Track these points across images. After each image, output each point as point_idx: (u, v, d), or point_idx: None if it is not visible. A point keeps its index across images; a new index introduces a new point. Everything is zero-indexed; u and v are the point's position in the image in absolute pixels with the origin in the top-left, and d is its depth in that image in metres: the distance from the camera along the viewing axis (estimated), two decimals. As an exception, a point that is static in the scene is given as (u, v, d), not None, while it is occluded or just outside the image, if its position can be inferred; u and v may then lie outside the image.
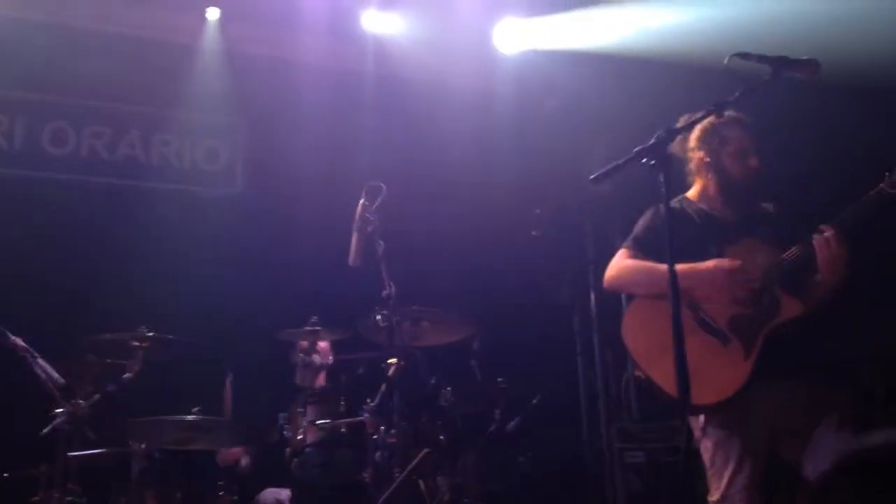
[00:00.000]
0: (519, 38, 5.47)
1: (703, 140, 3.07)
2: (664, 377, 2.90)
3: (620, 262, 3.13)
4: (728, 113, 2.84)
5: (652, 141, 2.44)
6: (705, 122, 2.81)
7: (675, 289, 2.27)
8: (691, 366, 2.27)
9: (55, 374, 3.68)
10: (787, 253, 2.87)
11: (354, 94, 5.47)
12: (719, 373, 2.76)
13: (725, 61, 2.53)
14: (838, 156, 4.14)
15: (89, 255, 4.97)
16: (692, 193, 3.15)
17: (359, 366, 4.31)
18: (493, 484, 4.54)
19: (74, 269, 4.89)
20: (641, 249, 3.08)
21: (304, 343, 4.29)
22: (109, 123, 5.47)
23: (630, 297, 3.20)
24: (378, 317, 3.61)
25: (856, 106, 4.07)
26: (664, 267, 2.63)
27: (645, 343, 3.00)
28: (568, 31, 5.24)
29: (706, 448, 2.90)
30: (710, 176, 3.08)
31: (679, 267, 2.41)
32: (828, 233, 2.79)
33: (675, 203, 3.06)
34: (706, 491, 2.91)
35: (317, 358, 4.50)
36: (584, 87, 5.46)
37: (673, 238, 2.36)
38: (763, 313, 2.86)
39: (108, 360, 3.82)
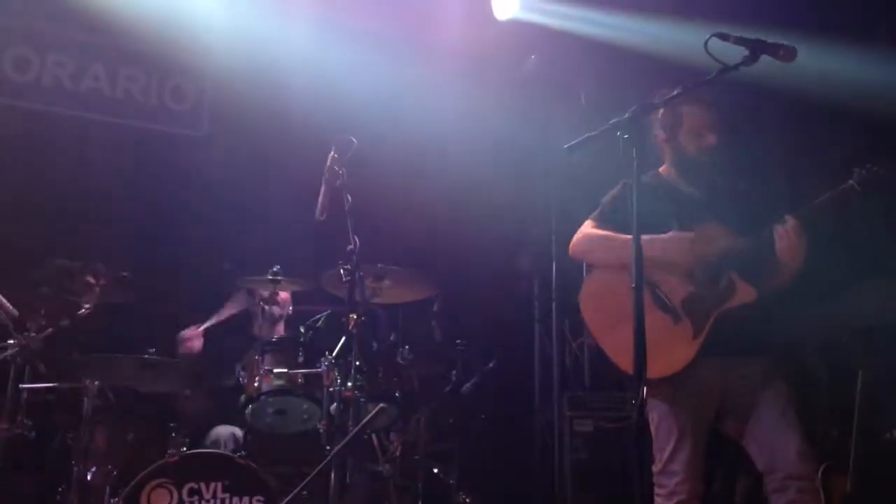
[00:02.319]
0: (512, 5, 5.39)
1: (662, 119, 3.11)
2: (613, 348, 3.00)
3: (585, 232, 3.18)
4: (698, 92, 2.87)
5: (627, 114, 2.45)
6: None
7: (639, 265, 2.30)
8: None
9: (8, 305, 3.62)
10: (746, 239, 2.94)
11: (333, 47, 5.39)
12: (667, 349, 2.83)
13: (705, 41, 2.55)
14: (811, 150, 4.25)
15: (48, 187, 4.86)
16: (663, 169, 3.20)
17: (318, 318, 4.31)
18: (444, 443, 4.61)
19: (32, 200, 4.78)
20: (607, 221, 3.13)
21: (265, 292, 4.27)
22: (74, 54, 5.31)
23: (590, 267, 3.25)
24: (342, 271, 3.61)
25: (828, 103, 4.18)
26: (625, 238, 2.67)
27: (600, 313, 3.08)
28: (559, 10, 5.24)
29: (652, 420, 2.99)
30: (669, 154, 3.13)
31: (640, 238, 2.44)
32: (789, 223, 2.86)
33: (646, 178, 3.11)
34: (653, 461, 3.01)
35: (276, 308, 4.49)
36: (565, 58, 5.47)
37: (639, 213, 2.39)
38: (717, 295, 2.94)
39: (64, 296, 3.77)
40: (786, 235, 2.86)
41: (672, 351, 2.87)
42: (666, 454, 2.94)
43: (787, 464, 2.81)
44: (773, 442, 2.85)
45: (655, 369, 2.80)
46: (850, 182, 2.84)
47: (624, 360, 2.95)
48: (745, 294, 2.92)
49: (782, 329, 3.10)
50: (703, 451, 2.96)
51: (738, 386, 2.94)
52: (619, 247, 2.94)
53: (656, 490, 2.96)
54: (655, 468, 2.97)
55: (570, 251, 3.24)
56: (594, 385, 5.33)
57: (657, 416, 2.98)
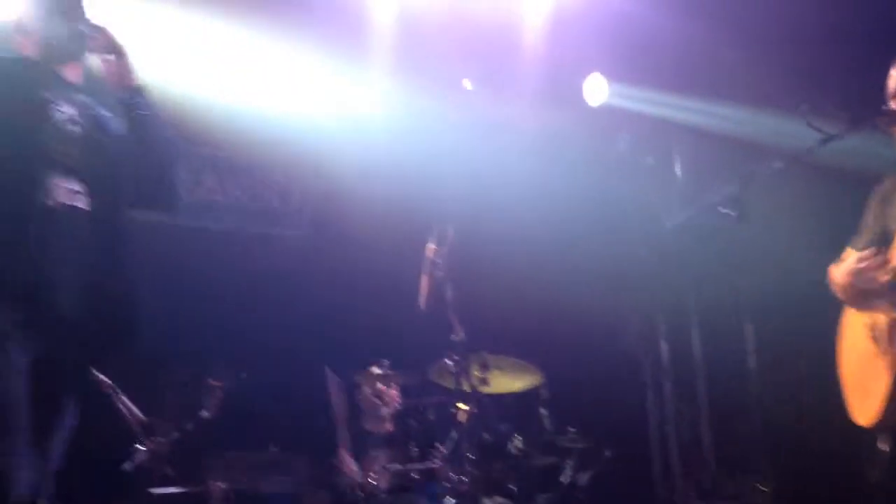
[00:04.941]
0: (602, 92, 5.49)
1: None
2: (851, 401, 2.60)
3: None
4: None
5: (733, 188, 2.40)
6: None
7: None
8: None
9: (137, 411, 3.76)
10: None
11: (422, 140, 5.54)
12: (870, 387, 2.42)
13: (800, 109, 2.48)
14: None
15: (167, 294, 5.11)
16: None
17: (428, 410, 4.30)
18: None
19: (153, 307, 5.01)
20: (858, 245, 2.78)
21: (371, 388, 4.31)
22: (187, 167, 5.63)
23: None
24: (448, 362, 3.62)
25: None
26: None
27: (847, 362, 2.69)
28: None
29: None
30: None
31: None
32: None
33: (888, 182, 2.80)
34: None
35: (385, 402, 4.50)
36: (656, 136, 5.47)
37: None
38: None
39: (187, 399, 3.90)
40: None
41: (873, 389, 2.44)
42: None
43: None
44: None
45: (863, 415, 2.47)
46: None
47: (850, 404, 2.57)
48: None
49: None
50: None
51: None
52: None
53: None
54: None
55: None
56: (720, 468, 5.05)
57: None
